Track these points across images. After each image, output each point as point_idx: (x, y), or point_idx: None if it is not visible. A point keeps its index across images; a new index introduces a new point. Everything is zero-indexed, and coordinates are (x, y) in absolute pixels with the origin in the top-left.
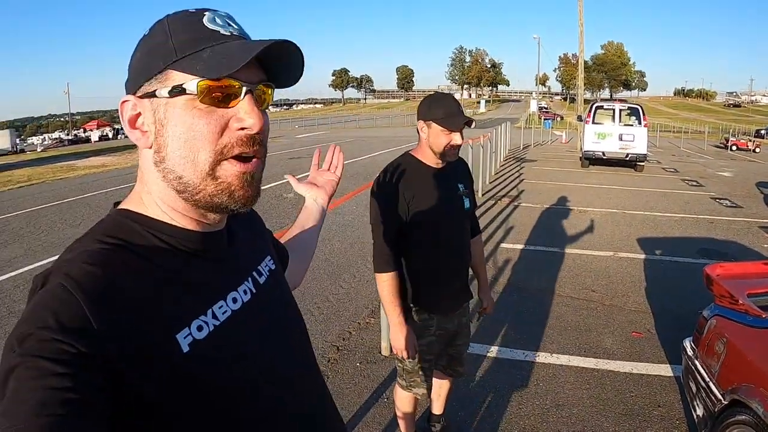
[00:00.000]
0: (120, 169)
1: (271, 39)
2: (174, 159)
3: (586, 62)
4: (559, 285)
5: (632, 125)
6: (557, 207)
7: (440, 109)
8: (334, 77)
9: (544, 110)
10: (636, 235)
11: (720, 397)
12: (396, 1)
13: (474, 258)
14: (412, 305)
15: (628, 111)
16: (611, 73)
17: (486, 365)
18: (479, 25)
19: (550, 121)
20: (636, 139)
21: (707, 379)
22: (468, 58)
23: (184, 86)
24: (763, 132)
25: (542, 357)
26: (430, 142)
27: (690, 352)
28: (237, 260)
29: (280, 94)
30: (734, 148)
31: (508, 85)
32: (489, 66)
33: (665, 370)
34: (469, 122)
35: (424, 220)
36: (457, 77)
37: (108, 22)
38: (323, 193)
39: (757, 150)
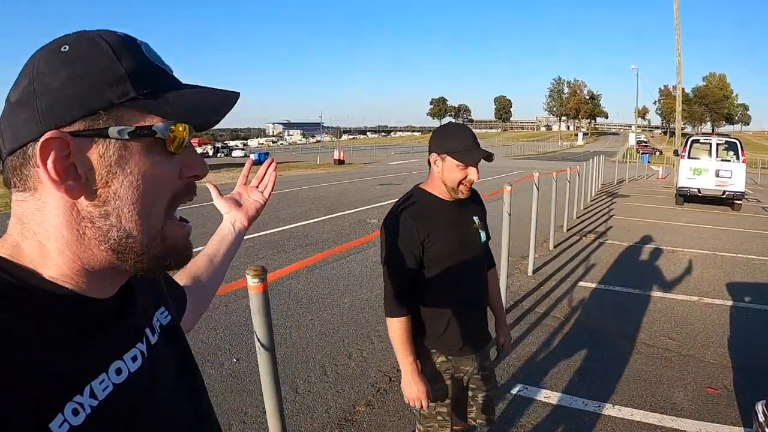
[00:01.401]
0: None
1: (230, 91)
2: (125, 214)
3: (686, 95)
4: (635, 330)
5: (730, 161)
6: (644, 245)
7: (457, 141)
8: (432, 106)
9: (643, 144)
10: (726, 279)
11: None
12: (496, 32)
13: (490, 292)
14: (428, 346)
15: (726, 145)
16: (713, 106)
17: (540, 411)
18: (578, 56)
19: (647, 155)
20: (733, 176)
21: None
22: (566, 89)
23: (153, 128)
24: None
25: (604, 408)
26: (444, 177)
27: (762, 418)
28: (128, 319)
29: (378, 120)
30: None
31: (606, 117)
32: (587, 97)
33: None
34: (488, 156)
35: (440, 257)
36: (555, 108)
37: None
38: (244, 215)
39: None
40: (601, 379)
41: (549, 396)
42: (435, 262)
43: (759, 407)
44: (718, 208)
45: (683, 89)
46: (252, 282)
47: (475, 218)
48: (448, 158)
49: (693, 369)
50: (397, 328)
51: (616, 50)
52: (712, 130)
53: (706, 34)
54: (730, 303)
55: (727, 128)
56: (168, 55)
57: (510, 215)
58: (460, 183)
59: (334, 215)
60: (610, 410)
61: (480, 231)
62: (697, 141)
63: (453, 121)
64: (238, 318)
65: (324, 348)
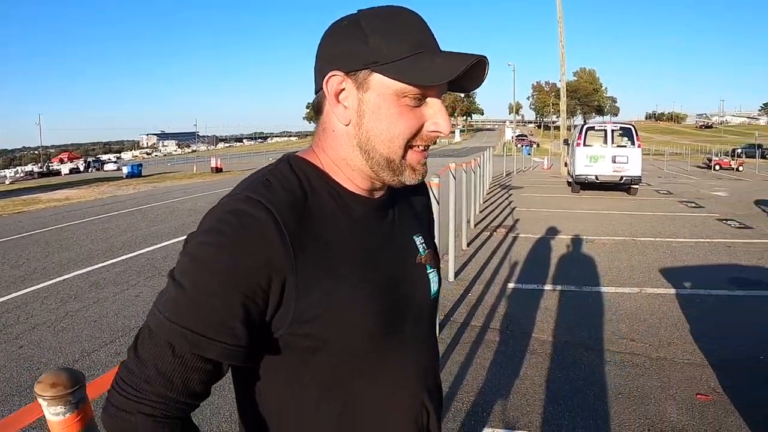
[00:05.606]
0: (83, 202)
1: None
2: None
3: (558, 90)
4: (592, 335)
5: (625, 146)
6: (560, 236)
7: (395, 35)
8: (308, 110)
9: (521, 137)
10: (656, 265)
11: None
12: None
13: None
14: None
15: (621, 131)
16: (584, 99)
17: None
18: None
19: (528, 147)
20: (630, 161)
21: None
22: None
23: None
24: (738, 151)
25: None
26: (368, 134)
27: None
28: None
29: (254, 127)
30: (717, 167)
31: (482, 114)
32: (462, 96)
33: None
34: (479, 69)
35: (336, 335)
36: None
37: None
38: None
39: (741, 168)
40: (582, 405)
41: None
42: (317, 348)
43: None
44: (615, 193)
45: (555, 85)
46: (53, 415)
47: (418, 239)
48: (375, 79)
49: (671, 374)
50: None
51: (491, 48)
52: (584, 122)
53: (577, 32)
54: (672, 291)
55: (598, 119)
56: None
57: (439, 205)
58: (409, 146)
59: None
60: None
61: (429, 269)
62: (593, 128)
63: None
64: None
65: None
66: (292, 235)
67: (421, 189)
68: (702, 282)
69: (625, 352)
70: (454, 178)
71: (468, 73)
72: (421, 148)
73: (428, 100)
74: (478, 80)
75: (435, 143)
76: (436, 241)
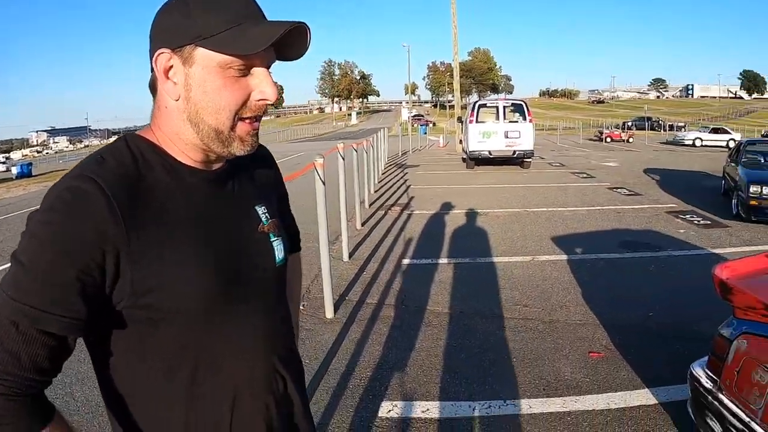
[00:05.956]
0: None
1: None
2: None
3: (453, 69)
4: (485, 304)
5: (517, 122)
6: (454, 211)
7: (217, 10)
8: None
9: (418, 117)
10: (548, 234)
11: None
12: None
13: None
14: None
15: (512, 108)
16: (479, 78)
17: (421, 431)
18: (348, 38)
19: (425, 126)
20: (522, 136)
21: (746, 420)
22: (337, 71)
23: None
24: (629, 124)
25: (496, 408)
26: (197, 106)
27: (706, 383)
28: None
29: (146, 119)
30: (609, 140)
31: (378, 95)
32: (358, 78)
33: (645, 396)
34: (299, 35)
35: (173, 309)
36: (327, 91)
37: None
38: None
39: (631, 140)
40: (477, 372)
41: (428, 408)
42: (159, 319)
43: (699, 371)
44: (509, 167)
45: (450, 65)
46: None
47: (260, 208)
48: (200, 53)
49: (564, 335)
50: None
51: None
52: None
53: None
54: (564, 257)
55: (492, 97)
56: None
57: (324, 184)
58: (240, 118)
59: None
60: (504, 409)
61: (273, 237)
62: (485, 105)
63: None
64: None
65: None
66: (123, 209)
67: (267, 162)
68: (593, 247)
69: (519, 317)
70: (343, 159)
71: (291, 41)
72: (252, 119)
73: (253, 70)
74: (302, 48)
75: (266, 113)
76: (323, 220)
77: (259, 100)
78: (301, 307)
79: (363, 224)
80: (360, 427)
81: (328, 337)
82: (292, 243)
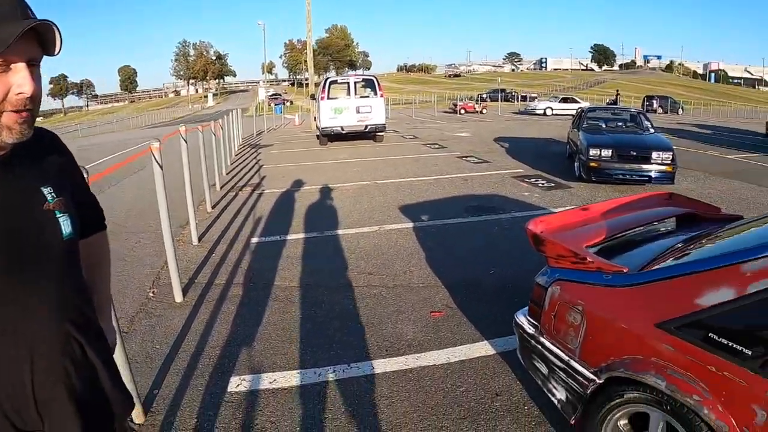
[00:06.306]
0: None
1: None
2: None
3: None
4: (332, 275)
5: (368, 97)
6: (306, 188)
7: None
8: (51, 85)
9: (275, 96)
10: (395, 204)
11: (590, 376)
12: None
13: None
14: None
15: (363, 83)
16: (336, 55)
17: (270, 400)
18: (203, 17)
19: (281, 106)
20: (373, 110)
21: (565, 358)
22: (192, 52)
23: None
24: (484, 96)
25: (342, 371)
26: None
27: (529, 329)
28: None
29: None
30: (463, 111)
31: (235, 76)
32: (214, 58)
33: (484, 348)
34: (44, 32)
35: None
36: (182, 72)
37: None
38: None
39: (484, 111)
40: (323, 340)
41: (275, 379)
42: None
43: (522, 318)
44: (362, 142)
45: (306, 42)
46: None
47: (46, 189)
48: None
49: (407, 298)
50: None
51: (241, 9)
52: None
53: None
54: (410, 225)
55: (350, 73)
56: None
57: (162, 168)
58: (2, 111)
59: None
60: (347, 372)
61: (59, 214)
62: (335, 81)
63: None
64: None
65: None
66: None
67: (57, 147)
68: (439, 214)
69: (364, 285)
70: (186, 142)
71: (46, 37)
72: (15, 111)
73: (13, 66)
74: (56, 44)
75: (34, 103)
76: (163, 205)
77: (17, 94)
78: (151, 294)
79: (213, 207)
80: (210, 404)
81: (177, 321)
82: (96, 222)
